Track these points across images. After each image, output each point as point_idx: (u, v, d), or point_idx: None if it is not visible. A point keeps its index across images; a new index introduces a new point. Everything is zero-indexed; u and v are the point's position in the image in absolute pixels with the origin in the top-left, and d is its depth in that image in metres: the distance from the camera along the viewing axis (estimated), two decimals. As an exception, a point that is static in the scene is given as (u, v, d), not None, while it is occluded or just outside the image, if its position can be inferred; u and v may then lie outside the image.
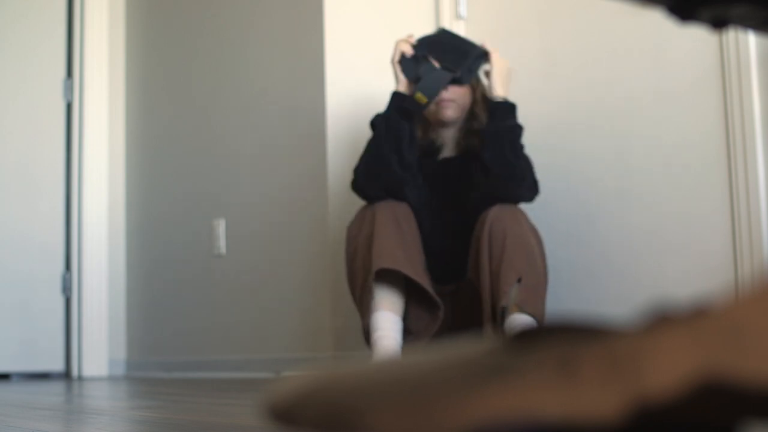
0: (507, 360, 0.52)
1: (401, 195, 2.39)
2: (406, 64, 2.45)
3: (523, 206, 2.52)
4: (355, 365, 0.59)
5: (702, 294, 2.46)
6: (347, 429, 0.55)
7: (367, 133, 2.69)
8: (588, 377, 0.50)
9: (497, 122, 2.44)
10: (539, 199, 2.79)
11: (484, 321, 2.26)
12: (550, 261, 2.79)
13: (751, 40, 2.43)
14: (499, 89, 2.49)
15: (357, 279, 2.36)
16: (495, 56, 2.50)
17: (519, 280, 2.22)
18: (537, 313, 2.22)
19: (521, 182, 2.38)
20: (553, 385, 0.50)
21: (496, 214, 2.31)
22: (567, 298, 2.80)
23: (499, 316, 2.22)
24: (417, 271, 2.29)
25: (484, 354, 0.54)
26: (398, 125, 2.41)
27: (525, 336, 0.54)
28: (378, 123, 2.45)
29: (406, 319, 2.34)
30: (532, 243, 2.31)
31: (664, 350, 0.48)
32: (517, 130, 2.44)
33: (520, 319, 2.19)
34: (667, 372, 0.48)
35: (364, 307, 2.33)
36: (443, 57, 2.44)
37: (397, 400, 0.53)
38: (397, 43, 2.48)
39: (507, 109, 2.47)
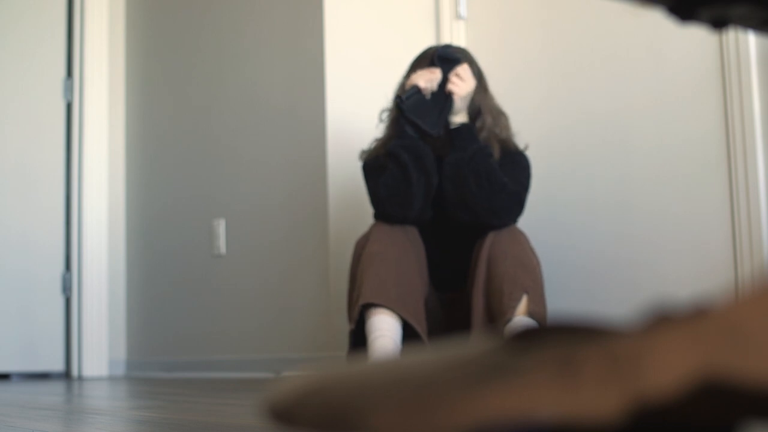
0: (507, 360, 0.53)
1: (423, 222, 2.37)
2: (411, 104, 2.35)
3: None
4: (355, 365, 0.59)
5: (702, 294, 2.46)
6: (347, 429, 0.55)
7: (365, 133, 2.69)
8: (588, 377, 0.50)
9: (458, 152, 2.34)
10: (539, 198, 2.79)
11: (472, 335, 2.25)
12: (551, 260, 2.79)
13: (751, 40, 2.43)
14: (459, 114, 2.39)
15: (352, 295, 2.34)
16: (457, 85, 2.38)
17: (527, 293, 2.21)
18: (543, 322, 2.21)
19: (497, 214, 2.32)
20: (554, 385, 0.50)
21: (494, 238, 2.30)
22: (567, 298, 2.80)
23: (501, 328, 2.20)
24: (410, 308, 2.23)
25: (485, 354, 0.54)
26: (420, 148, 2.34)
27: (525, 336, 0.54)
28: (398, 152, 2.33)
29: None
30: (534, 264, 2.30)
31: (664, 350, 0.48)
32: (480, 154, 2.34)
33: (523, 320, 2.19)
34: (667, 372, 0.48)
35: (349, 327, 2.31)
36: (424, 120, 2.35)
37: (399, 401, 0.53)
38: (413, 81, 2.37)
39: (466, 133, 2.36)
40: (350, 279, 2.39)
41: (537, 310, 2.20)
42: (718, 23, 0.62)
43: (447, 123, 2.38)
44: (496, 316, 2.22)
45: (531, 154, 2.54)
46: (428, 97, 2.35)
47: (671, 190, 2.61)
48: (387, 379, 0.55)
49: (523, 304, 2.20)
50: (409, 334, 2.27)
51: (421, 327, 2.23)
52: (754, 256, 2.39)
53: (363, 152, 2.53)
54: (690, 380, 0.47)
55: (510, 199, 2.33)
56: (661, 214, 2.63)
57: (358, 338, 2.28)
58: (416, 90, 2.34)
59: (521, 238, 2.33)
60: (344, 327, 2.92)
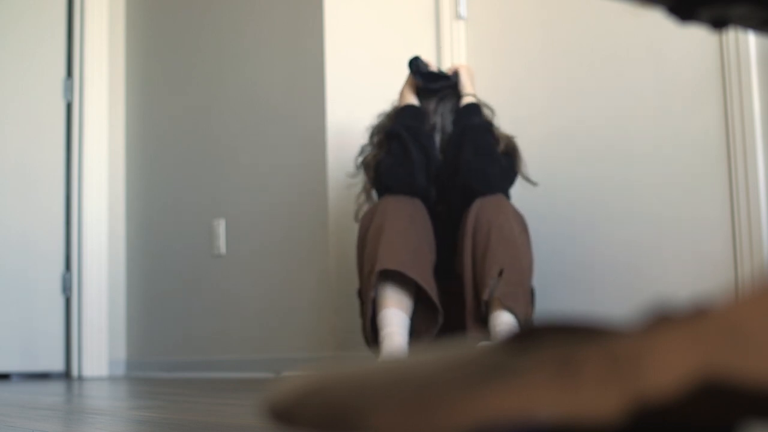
0: (507, 360, 0.53)
1: (425, 198, 2.42)
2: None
3: (519, 197, 2.53)
4: (355, 365, 0.59)
5: (702, 294, 2.46)
6: (347, 429, 0.55)
7: (365, 132, 2.69)
8: (588, 377, 0.50)
9: (462, 122, 2.47)
10: (539, 198, 2.79)
11: (467, 316, 2.27)
12: (550, 260, 2.79)
13: (751, 40, 2.43)
14: (468, 86, 2.54)
15: (363, 270, 2.37)
16: (458, 66, 2.62)
17: (500, 273, 2.22)
18: (518, 308, 2.22)
19: (487, 180, 2.39)
20: (554, 385, 0.50)
21: (480, 206, 2.34)
22: (567, 298, 2.80)
23: (483, 309, 2.24)
24: (422, 273, 2.28)
25: (485, 354, 0.54)
26: (417, 127, 2.45)
27: (525, 336, 0.54)
28: (398, 131, 2.45)
29: (412, 317, 2.34)
30: (516, 234, 2.32)
31: (664, 350, 0.48)
32: (483, 129, 2.45)
33: (502, 318, 2.20)
34: (667, 372, 0.48)
35: (365, 303, 2.33)
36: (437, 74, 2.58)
37: (399, 401, 0.53)
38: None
39: (472, 109, 2.50)
40: (358, 254, 2.42)
41: (511, 292, 2.22)
42: (718, 23, 0.62)
43: (458, 97, 2.54)
44: (481, 291, 2.25)
45: (530, 154, 2.55)
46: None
47: (671, 189, 2.61)
48: (387, 379, 0.55)
49: (496, 284, 2.22)
50: (420, 305, 2.31)
51: (433, 293, 2.28)
52: (754, 256, 2.39)
53: (362, 152, 2.58)
54: (690, 380, 0.47)
55: (502, 171, 2.43)
56: (660, 214, 2.63)
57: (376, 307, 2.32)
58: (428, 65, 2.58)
59: (505, 207, 2.36)
60: (344, 326, 2.92)
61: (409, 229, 2.32)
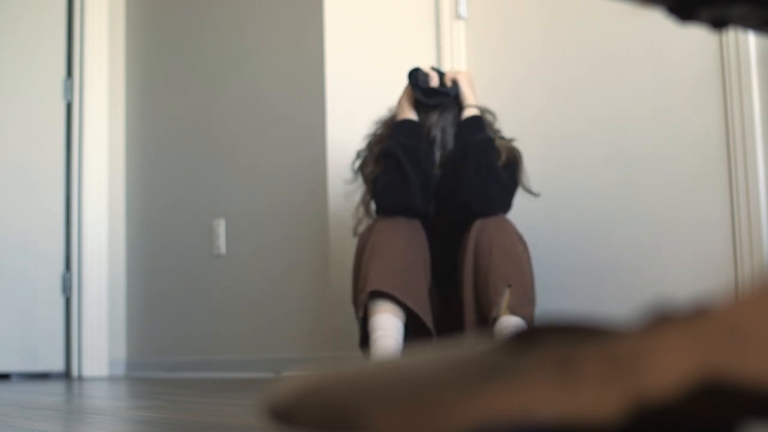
0: (507, 360, 0.53)
1: (425, 216, 2.40)
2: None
3: (519, 199, 2.53)
4: (355, 365, 0.59)
5: (702, 294, 2.46)
6: (347, 429, 0.55)
7: (365, 133, 2.69)
8: (588, 377, 0.50)
9: (464, 137, 2.43)
10: (539, 200, 2.79)
11: (465, 332, 2.26)
12: (551, 260, 2.79)
13: (751, 40, 2.43)
14: (470, 97, 2.49)
15: (357, 285, 2.36)
16: (457, 74, 2.55)
17: (509, 286, 2.22)
18: (528, 317, 2.22)
19: (488, 201, 2.36)
20: (553, 385, 0.50)
21: (481, 225, 2.32)
22: (567, 298, 2.80)
23: (490, 325, 2.22)
24: (416, 299, 2.26)
25: (485, 354, 0.54)
26: (415, 146, 2.41)
27: (524, 336, 0.54)
28: (394, 150, 2.40)
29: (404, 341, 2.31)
30: (519, 251, 2.31)
31: (664, 350, 0.48)
32: (484, 145, 2.40)
33: (510, 321, 2.19)
34: (667, 372, 0.48)
35: (357, 317, 2.33)
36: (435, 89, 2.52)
37: (399, 401, 0.53)
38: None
39: (474, 123, 2.45)
40: (354, 271, 2.41)
41: (519, 303, 2.21)
42: (718, 23, 0.62)
43: (459, 108, 2.50)
44: (485, 308, 2.24)
45: (530, 155, 2.54)
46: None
47: (671, 189, 2.61)
48: (387, 379, 0.55)
49: (506, 299, 2.21)
50: (413, 325, 2.29)
51: (427, 317, 2.26)
52: (754, 256, 2.39)
53: (358, 156, 2.58)
54: (690, 380, 0.47)
55: (503, 190, 2.40)
56: (660, 214, 2.63)
57: (367, 326, 2.29)
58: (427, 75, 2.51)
59: (507, 226, 2.35)
60: (344, 326, 2.92)
61: (405, 252, 2.29)
